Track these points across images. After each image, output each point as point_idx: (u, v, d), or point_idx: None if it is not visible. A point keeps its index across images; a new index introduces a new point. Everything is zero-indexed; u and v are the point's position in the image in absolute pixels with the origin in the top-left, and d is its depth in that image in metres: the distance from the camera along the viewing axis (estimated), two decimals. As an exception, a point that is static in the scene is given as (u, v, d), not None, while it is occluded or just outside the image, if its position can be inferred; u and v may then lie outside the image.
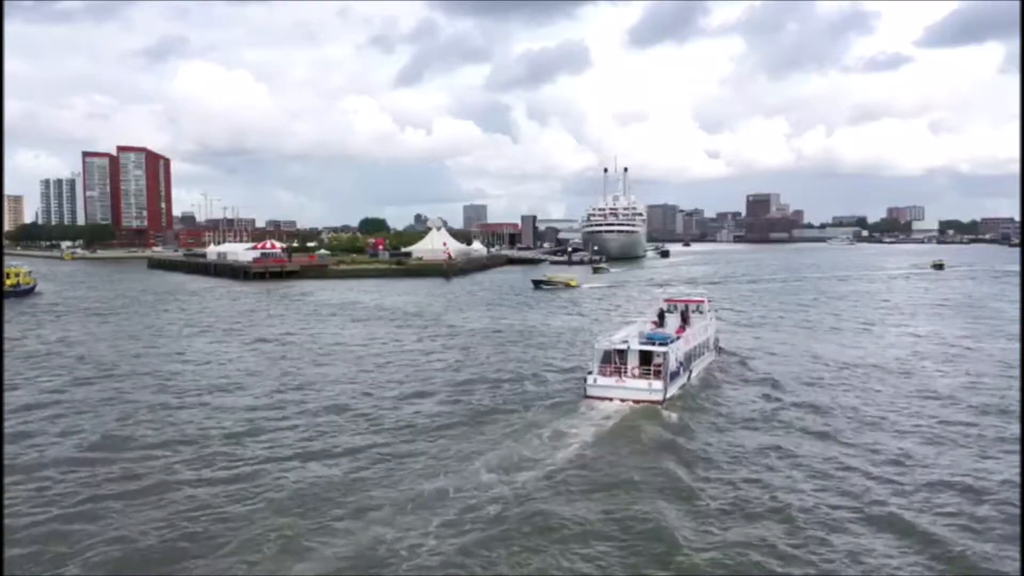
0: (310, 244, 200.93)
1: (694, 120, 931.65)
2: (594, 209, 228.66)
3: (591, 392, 33.59)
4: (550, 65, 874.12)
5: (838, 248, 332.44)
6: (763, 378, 40.24)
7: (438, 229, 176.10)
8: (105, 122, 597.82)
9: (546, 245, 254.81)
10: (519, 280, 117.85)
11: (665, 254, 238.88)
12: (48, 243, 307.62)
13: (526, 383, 38.62)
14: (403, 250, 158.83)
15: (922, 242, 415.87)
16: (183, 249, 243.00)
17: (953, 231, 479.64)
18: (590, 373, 34.47)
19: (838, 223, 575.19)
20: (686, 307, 45.89)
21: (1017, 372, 41.06)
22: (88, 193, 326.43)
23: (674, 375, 35.08)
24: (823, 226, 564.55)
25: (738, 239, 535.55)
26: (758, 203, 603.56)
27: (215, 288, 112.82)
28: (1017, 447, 27.10)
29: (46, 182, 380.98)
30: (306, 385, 38.73)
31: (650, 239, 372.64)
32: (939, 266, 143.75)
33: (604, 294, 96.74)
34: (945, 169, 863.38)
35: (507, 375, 40.87)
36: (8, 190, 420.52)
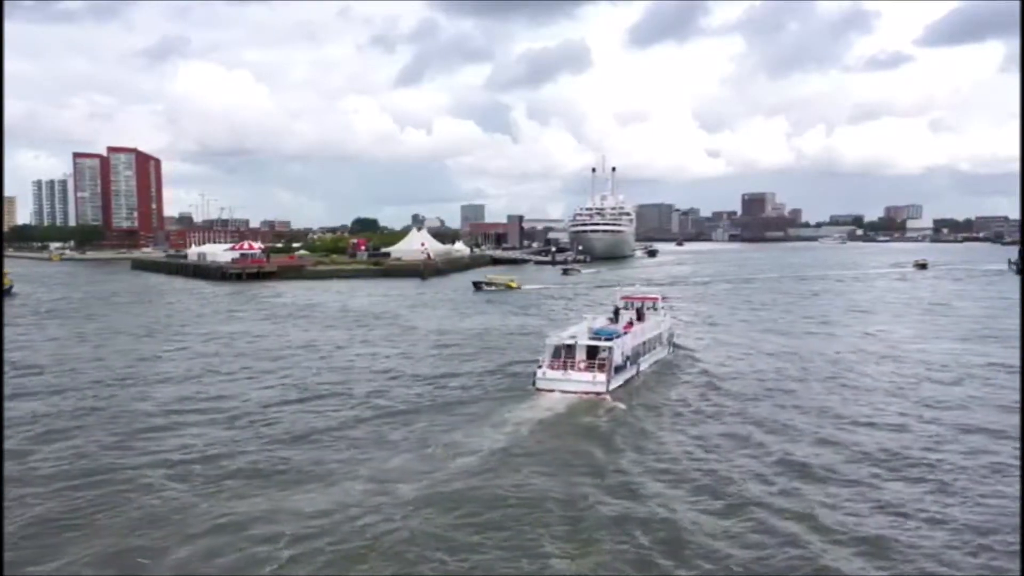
0: (295, 244, 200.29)
1: (695, 120, 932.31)
2: (581, 209, 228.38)
3: (540, 385, 35.58)
4: (551, 65, 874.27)
5: (828, 248, 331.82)
6: (705, 373, 42.07)
7: (419, 229, 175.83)
8: (106, 122, 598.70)
9: (535, 245, 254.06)
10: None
11: (652, 253, 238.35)
12: (40, 244, 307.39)
13: (484, 378, 40.39)
14: (382, 250, 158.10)
15: (916, 240, 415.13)
16: (173, 250, 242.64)
17: (947, 230, 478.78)
18: (539, 367, 36.15)
19: (835, 222, 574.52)
20: (641, 304, 47.74)
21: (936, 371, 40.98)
22: (79, 194, 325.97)
23: (620, 369, 37.01)
24: (819, 225, 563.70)
25: (733, 238, 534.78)
26: (754, 202, 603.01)
27: (189, 289, 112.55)
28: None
29: (38, 183, 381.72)
30: (215, 388, 38.60)
31: (645, 238, 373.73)
32: (922, 265, 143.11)
33: (543, 295, 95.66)
34: (945, 168, 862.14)
35: (463, 371, 42.28)
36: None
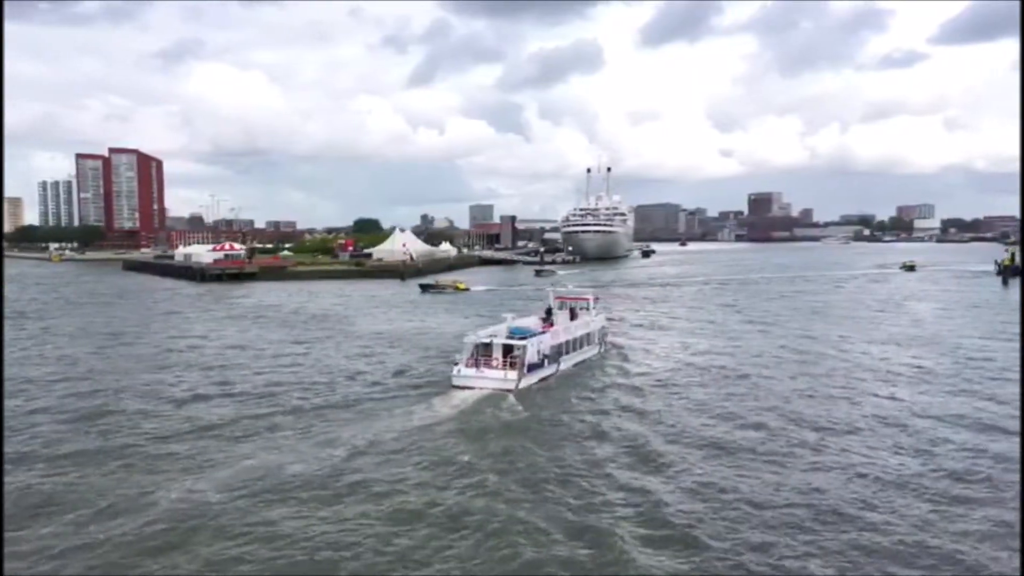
0: (286, 245, 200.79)
1: (707, 119, 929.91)
2: (575, 209, 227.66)
3: (456, 382, 37.02)
4: (563, 64, 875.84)
5: (829, 248, 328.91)
6: (629, 372, 42.69)
7: (402, 231, 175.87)
8: (121, 124, 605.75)
9: (530, 245, 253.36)
10: (474, 280, 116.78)
11: (648, 254, 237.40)
12: (44, 245, 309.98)
13: (406, 375, 41.54)
14: (365, 251, 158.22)
15: (923, 240, 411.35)
16: (171, 251, 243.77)
17: (956, 229, 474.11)
18: (456, 365, 37.67)
19: (846, 221, 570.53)
20: (575, 304, 49.33)
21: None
22: (82, 195, 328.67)
23: (535, 367, 38.47)
24: (826, 225, 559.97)
25: (740, 238, 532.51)
26: (760, 202, 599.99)
27: (167, 289, 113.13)
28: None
29: (44, 184, 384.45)
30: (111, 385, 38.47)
31: (651, 238, 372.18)
32: (910, 267, 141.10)
33: (493, 296, 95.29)
34: (960, 166, 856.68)
35: (392, 370, 43.12)
36: (11, 192, 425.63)
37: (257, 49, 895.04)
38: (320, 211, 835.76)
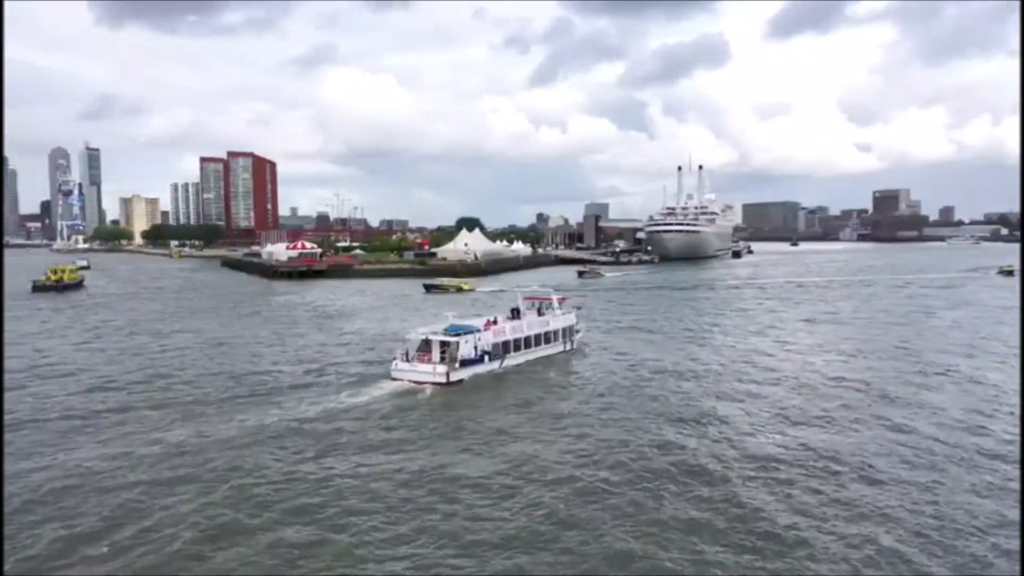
0: (355, 244, 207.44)
1: (841, 112, 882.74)
2: (665, 208, 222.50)
3: (394, 375, 39.40)
4: (687, 60, 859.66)
5: (953, 249, 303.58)
6: (583, 373, 43.24)
7: (470, 230, 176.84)
8: (262, 128, 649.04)
9: (621, 244, 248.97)
10: (526, 279, 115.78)
11: (738, 255, 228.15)
12: (178, 243, 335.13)
13: (352, 368, 43.77)
14: (429, 251, 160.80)
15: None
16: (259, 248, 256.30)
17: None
18: (394, 359, 40.25)
19: (987, 220, 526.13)
20: (541, 304, 51.56)
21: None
22: (205, 195, 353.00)
23: (471, 362, 40.49)
24: (959, 223, 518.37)
25: (862, 238, 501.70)
26: (885, 199, 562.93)
27: (236, 283, 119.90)
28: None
29: (175, 186, 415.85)
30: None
31: (768, 237, 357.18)
32: (1008, 272, 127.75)
33: (493, 297, 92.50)
34: None
35: (340, 362, 45.74)
36: (155, 193, 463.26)
37: (387, 53, 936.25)
38: (445, 209, 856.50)
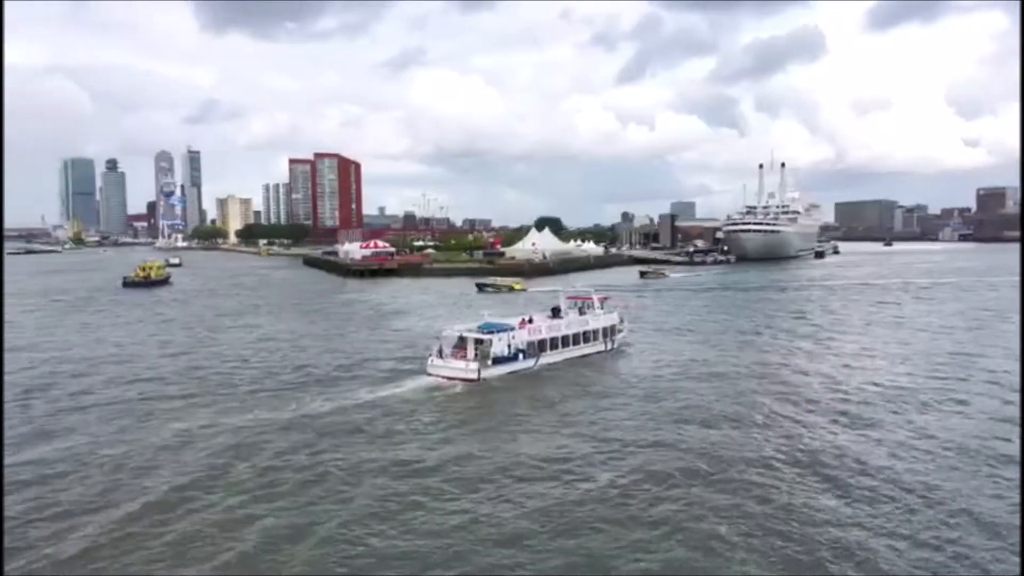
0: (428, 243, 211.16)
1: (948, 105, 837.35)
2: (743, 207, 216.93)
3: (429, 370, 40.82)
4: (781, 53, 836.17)
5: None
6: (618, 372, 43.97)
7: (539, 230, 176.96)
8: (355, 129, 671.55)
9: (700, 244, 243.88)
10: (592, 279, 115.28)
11: (821, 255, 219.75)
12: (267, 241, 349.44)
13: (390, 364, 45.47)
14: (499, 250, 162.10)
15: None
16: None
17: None
18: (430, 355, 41.61)
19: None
20: (583, 303, 52.31)
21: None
22: (294, 196, 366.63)
23: (503, 360, 41.44)
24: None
25: (964, 238, 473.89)
26: (991, 197, 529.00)
27: (310, 281, 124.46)
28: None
29: (266, 186, 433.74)
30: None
31: (862, 237, 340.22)
32: None
33: (544, 298, 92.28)
34: None
35: (379, 359, 47.49)
36: (249, 193, 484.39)
37: (475, 54, 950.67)
38: (529, 209, 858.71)
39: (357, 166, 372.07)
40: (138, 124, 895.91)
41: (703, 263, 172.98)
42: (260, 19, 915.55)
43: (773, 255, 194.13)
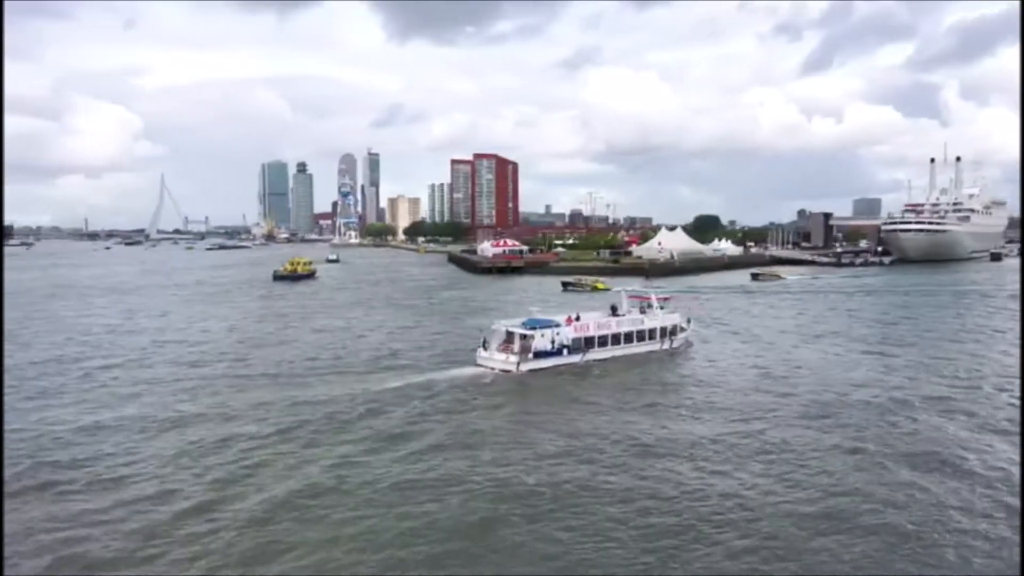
0: (557, 242, 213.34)
1: None
2: (906, 205, 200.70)
3: (477, 361, 44.29)
4: (990, 35, 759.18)
5: None
6: (667, 370, 45.27)
7: (671, 229, 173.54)
8: (529, 129, 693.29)
9: (862, 244, 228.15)
10: (728, 280, 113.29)
11: (997, 257, 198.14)
12: (426, 239, 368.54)
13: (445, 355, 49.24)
14: (626, 249, 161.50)
15: None
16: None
17: None
18: (479, 348, 44.99)
19: None
20: (641, 303, 54.07)
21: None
22: (455, 195, 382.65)
23: (546, 354, 43.88)
24: None
25: None
26: None
27: (441, 279, 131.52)
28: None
29: (431, 186, 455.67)
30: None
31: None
32: None
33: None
34: None
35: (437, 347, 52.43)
36: (418, 193, 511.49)
37: (650, 50, 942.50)
38: (700, 206, 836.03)
39: (515, 166, 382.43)
40: (330, 129, 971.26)
41: (851, 264, 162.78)
42: (441, 25, 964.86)
43: (939, 256, 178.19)
